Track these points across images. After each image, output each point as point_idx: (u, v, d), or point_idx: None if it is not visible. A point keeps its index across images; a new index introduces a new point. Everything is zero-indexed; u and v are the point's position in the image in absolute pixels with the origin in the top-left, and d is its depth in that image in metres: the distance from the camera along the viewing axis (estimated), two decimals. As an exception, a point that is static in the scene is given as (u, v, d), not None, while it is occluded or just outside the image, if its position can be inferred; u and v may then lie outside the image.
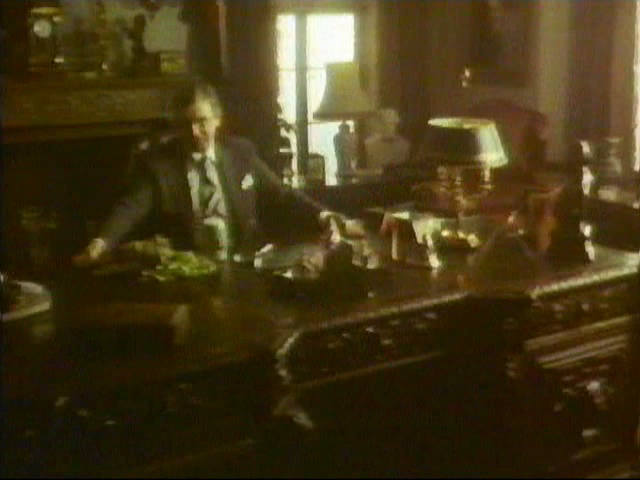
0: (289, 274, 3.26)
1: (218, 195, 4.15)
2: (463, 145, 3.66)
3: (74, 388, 2.52)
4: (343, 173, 6.97)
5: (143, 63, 6.00)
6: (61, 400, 2.45)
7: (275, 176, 4.46)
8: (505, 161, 3.72)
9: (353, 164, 7.07)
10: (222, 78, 6.39)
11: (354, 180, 6.95)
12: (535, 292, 3.26)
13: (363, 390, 3.10)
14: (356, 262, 3.31)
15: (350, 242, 3.34)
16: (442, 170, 3.77)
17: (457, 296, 3.25)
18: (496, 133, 3.71)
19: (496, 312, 3.24)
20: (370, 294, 3.23)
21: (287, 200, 4.31)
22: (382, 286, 3.29)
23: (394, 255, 3.49)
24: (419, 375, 3.19)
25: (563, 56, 6.56)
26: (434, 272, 3.53)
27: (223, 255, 3.72)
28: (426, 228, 3.57)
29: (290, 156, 6.81)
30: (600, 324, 3.47)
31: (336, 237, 3.40)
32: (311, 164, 6.80)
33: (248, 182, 4.24)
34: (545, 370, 3.35)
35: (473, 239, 3.80)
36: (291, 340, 2.87)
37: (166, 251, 3.59)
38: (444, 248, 3.69)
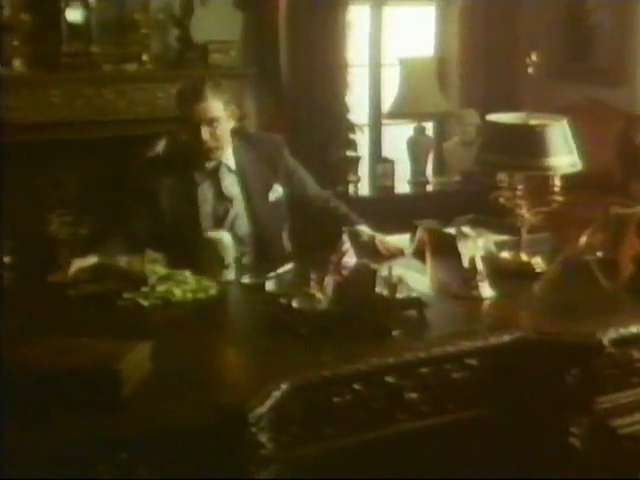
0: (295, 303, 2.59)
1: (237, 210, 3.46)
2: (527, 146, 2.93)
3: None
4: (416, 180, 6.26)
5: (189, 54, 5.40)
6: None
7: (313, 183, 3.73)
8: (579, 166, 2.97)
9: (428, 170, 6.34)
10: (280, 73, 5.76)
11: (428, 188, 6.24)
12: (609, 335, 2.52)
13: (379, 459, 2.40)
14: (381, 290, 2.62)
15: (372, 264, 2.63)
16: (501, 177, 3.04)
17: (507, 337, 2.53)
18: (569, 132, 2.97)
19: (558, 360, 2.52)
20: (395, 332, 2.53)
21: (320, 211, 3.61)
22: (412, 322, 2.60)
23: (429, 281, 2.76)
24: (454, 440, 2.48)
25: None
26: (484, 304, 2.81)
27: (230, 275, 3.07)
28: (476, 248, 2.84)
29: (357, 160, 6.13)
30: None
31: (351, 258, 2.64)
32: (380, 169, 6.12)
33: (277, 192, 3.54)
34: (620, 436, 2.59)
35: (538, 263, 3.07)
36: (278, 394, 2.19)
37: (158, 269, 2.97)
38: (502, 273, 2.96)
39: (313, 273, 2.60)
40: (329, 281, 2.56)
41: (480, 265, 2.85)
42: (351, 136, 6.17)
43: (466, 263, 2.83)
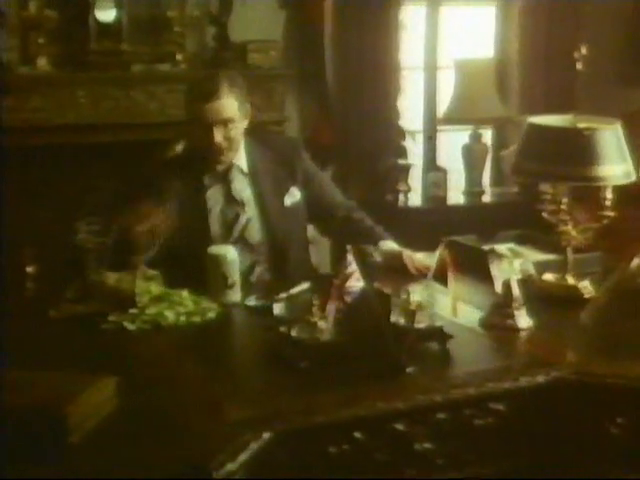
0: (294, 332, 2.22)
1: (248, 216, 3.11)
2: (574, 152, 2.53)
3: None
4: (471, 190, 5.84)
5: (227, 54, 5.04)
6: None
7: (335, 190, 3.36)
8: (634, 177, 2.56)
9: (484, 180, 5.91)
10: (325, 75, 5.40)
11: (484, 199, 5.81)
12: (665, 379, 2.11)
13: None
14: (397, 318, 2.25)
15: (385, 288, 2.25)
16: (545, 188, 2.64)
17: (542, 378, 2.13)
18: (623, 137, 2.55)
19: (602, 407, 2.11)
20: (409, 369, 2.15)
21: (342, 222, 3.23)
22: (432, 357, 2.22)
23: (451, 308, 2.35)
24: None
25: None
26: (519, 337, 2.41)
27: (234, 296, 2.72)
28: (511, 269, 2.45)
29: (408, 168, 5.73)
30: None
31: (357, 281, 2.24)
32: (431, 178, 5.72)
33: (293, 196, 3.18)
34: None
35: (586, 287, 2.67)
36: (256, 445, 1.83)
37: (152, 287, 2.64)
38: (543, 299, 2.57)
39: (315, 297, 2.23)
40: (331, 308, 2.18)
41: (516, 290, 2.46)
42: (402, 143, 5.79)
43: (499, 287, 2.44)
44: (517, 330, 2.44)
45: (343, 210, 3.26)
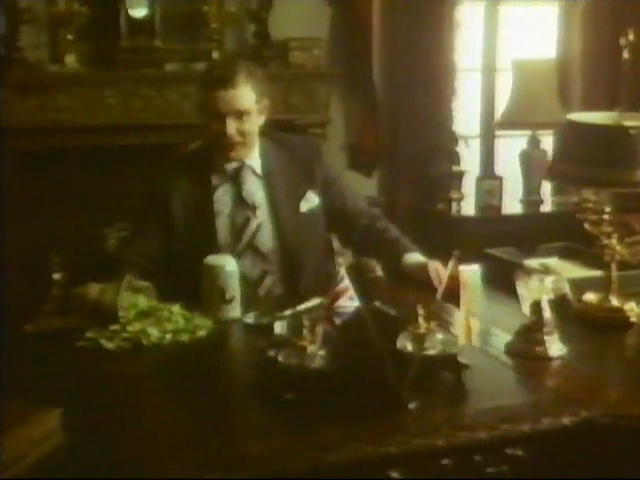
0: (282, 358, 1.92)
1: (259, 221, 2.83)
2: (619, 154, 2.18)
3: None
4: (529, 199, 5.49)
5: (267, 52, 4.78)
6: None
7: (357, 197, 3.07)
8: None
9: (544, 188, 5.54)
10: (372, 75, 5.10)
11: (543, 208, 5.44)
12: None
13: None
14: (404, 343, 1.94)
15: (390, 309, 1.94)
16: (586, 195, 2.30)
17: (568, 420, 1.80)
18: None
19: (638, 456, 1.76)
20: (411, 405, 1.83)
21: (363, 232, 2.93)
22: (441, 390, 1.90)
23: (458, 332, 2.00)
24: None
25: None
26: (549, 367, 2.08)
27: (233, 311, 2.43)
28: (542, 288, 2.11)
29: (461, 175, 5.41)
30: None
31: (350, 300, 1.89)
32: (486, 186, 5.38)
33: (310, 202, 2.89)
34: None
35: (632, 310, 2.31)
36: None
37: (140, 301, 2.36)
38: (581, 323, 2.23)
39: (306, 317, 1.92)
40: (319, 331, 1.87)
41: (547, 312, 2.12)
42: (455, 148, 5.46)
43: (526, 309, 2.11)
44: (547, 359, 2.10)
45: (365, 219, 2.95)
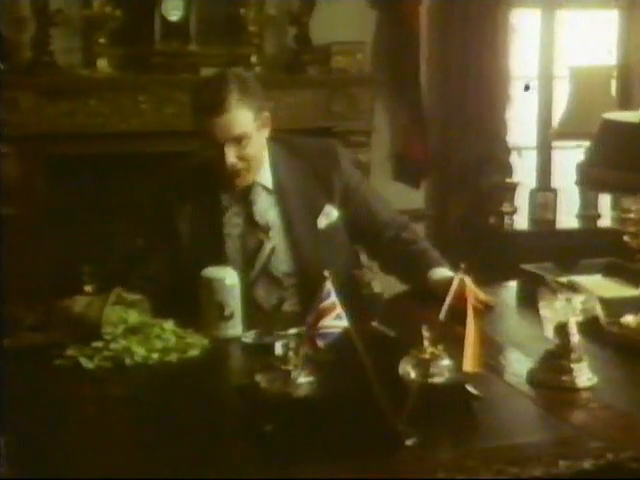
0: (264, 383, 1.70)
1: (273, 243, 2.58)
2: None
3: None
4: (586, 213, 5.22)
5: (307, 56, 4.59)
6: None
7: (383, 205, 2.76)
8: None
9: (602, 202, 5.25)
10: (419, 82, 4.89)
11: (600, 223, 5.17)
12: None
13: None
14: (406, 370, 1.71)
15: (387, 329, 1.70)
16: (626, 205, 2.04)
17: (589, 463, 1.54)
18: None
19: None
20: (409, 441, 1.60)
21: (389, 244, 2.68)
22: (447, 425, 1.66)
23: (465, 362, 1.75)
24: None
25: None
26: (577, 399, 1.82)
27: (233, 329, 2.22)
28: (569, 309, 1.86)
29: (514, 187, 5.16)
30: None
31: (337, 319, 1.63)
32: (539, 199, 5.13)
33: (329, 216, 2.63)
34: None
35: (675, 336, 2.04)
36: None
37: (131, 316, 2.16)
38: (617, 349, 1.97)
39: (293, 338, 1.70)
40: (300, 353, 1.64)
41: (575, 336, 1.87)
42: (508, 159, 5.22)
43: (550, 332, 1.86)
44: (574, 390, 1.85)
45: (392, 229, 2.68)
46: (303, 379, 1.66)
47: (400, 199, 4.96)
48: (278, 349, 2.04)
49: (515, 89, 5.33)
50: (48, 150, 4.24)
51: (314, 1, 4.58)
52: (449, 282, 2.36)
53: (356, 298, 1.99)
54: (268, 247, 2.57)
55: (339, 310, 1.59)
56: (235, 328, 2.22)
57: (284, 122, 4.29)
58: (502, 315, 2.39)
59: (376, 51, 4.84)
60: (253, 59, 4.50)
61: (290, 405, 1.64)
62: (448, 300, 1.73)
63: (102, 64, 4.32)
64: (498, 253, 4.78)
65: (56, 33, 4.23)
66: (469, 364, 1.69)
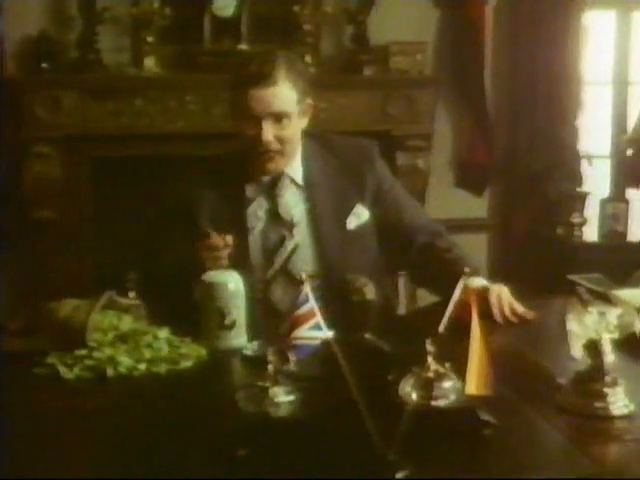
0: (242, 402, 1.49)
1: (296, 240, 2.41)
2: None
3: None
4: (661, 225, 4.91)
5: (365, 56, 4.41)
6: None
7: (416, 210, 2.57)
8: None
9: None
10: (484, 84, 4.65)
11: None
12: None
13: None
14: (407, 390, 1.48)
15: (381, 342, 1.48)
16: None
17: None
18: None
19: None
20: (400, 474, 1.37)
21: (422, 251, 2.45)
22: (449, 455, 1.43)
23: (469, 383, 1.50)
24: None
25: None
26: (610, 428, 1.57)
27: (236, 339, 2.02)
28: (601, 323, 1.61)
29: (583, 197, 4.88)
30: None
31: (314, 330, 1.39)
32: (610, 210, 4.83)
33: (359, 217, 2.45)
34: None
35: None
36: None
37: (123, 322, 1.98)
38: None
39: (271, 351, 1.49)
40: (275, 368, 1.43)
41: (609, 356, 1.62)
42: (577, 167, 4.95)
43: (578, 351, 1.61)
44: (607, 418, 1.60)
45: (425, 236, 2.47)
46: (282, 397, 1.45)
47: (461, 207, 4.76)
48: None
49: (587, 94, 5.07)
50: (92, 152, 4.13)
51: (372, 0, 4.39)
52: (481, 291, 2.16)
53: (346, 306, 1.78)
54: (290, 244, 2.41)
55: (318, 318, 1.37)
56: (239, 338, 2.02)
57: (337, 124, 4.16)
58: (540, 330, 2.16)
59: (438, 52, 4.63)
60: (307, 59, 4.31)
61: (266, 427, 1.43)
62: (449, 310, 1.49)
63: (149, 63, 4.19)
64: (565, 267, 4.51)
65: (103, 31, 4.13)
66: (473, 386, 1.45)
